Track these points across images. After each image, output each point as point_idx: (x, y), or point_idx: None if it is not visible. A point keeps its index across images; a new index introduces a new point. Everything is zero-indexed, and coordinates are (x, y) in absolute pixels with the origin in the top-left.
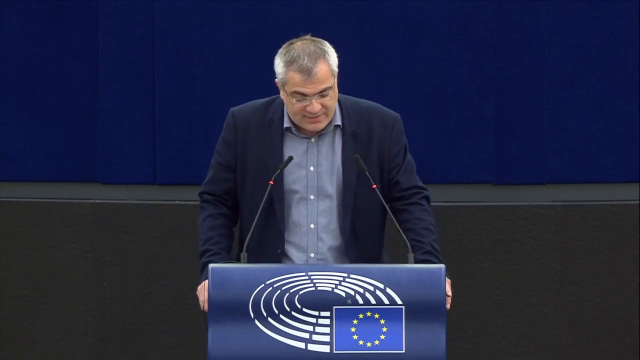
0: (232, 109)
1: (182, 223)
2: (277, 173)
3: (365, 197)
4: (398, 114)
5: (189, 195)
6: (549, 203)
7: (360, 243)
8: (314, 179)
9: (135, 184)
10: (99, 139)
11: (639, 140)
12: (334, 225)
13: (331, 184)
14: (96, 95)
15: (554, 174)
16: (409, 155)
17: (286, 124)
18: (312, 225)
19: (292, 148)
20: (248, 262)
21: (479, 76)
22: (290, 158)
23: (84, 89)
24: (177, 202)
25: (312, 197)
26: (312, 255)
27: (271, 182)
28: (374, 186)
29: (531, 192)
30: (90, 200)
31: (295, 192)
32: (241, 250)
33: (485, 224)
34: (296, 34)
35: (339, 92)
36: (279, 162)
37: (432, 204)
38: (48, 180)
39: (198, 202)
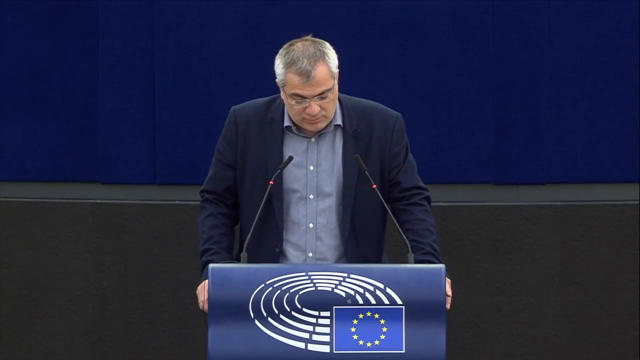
0: (233, 107)
1: (182, 223)
2: (277, 173)
3: (365, 197)
4: (399, 114)
5: (189, 195)
6: (549, 203)
7: (359, 243)
8: (313, 179)
9: (135, 184)
10: (99, 139)
11: (639, 140)
12: (333, 224)
13: (331, 184)
14: (96, 95)
15: (554, 174)
16: (410, 156)
17: (286, 122)
18: (311, 225)
19: (292, 147)
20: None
21: (479, 76)
22: (290, 158)
23: (84, 89)
24: (177, 202)
25: (311, 196)
26: (310, 254)
27: (271, 182)
28: (374, 186)
29: (531, 192)
30: (90, 200)
31: (295, 191)
32: (241, 250)
33: (485, 224)
34: (296, 34)
35: (341, 91)
36: (278, 162)
37: (432, 203)
38: (48, 180)
39: (198, 202)
